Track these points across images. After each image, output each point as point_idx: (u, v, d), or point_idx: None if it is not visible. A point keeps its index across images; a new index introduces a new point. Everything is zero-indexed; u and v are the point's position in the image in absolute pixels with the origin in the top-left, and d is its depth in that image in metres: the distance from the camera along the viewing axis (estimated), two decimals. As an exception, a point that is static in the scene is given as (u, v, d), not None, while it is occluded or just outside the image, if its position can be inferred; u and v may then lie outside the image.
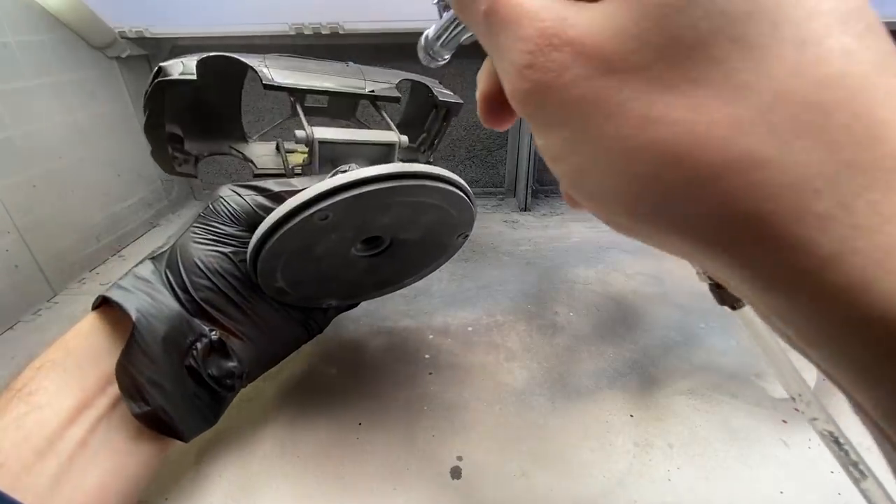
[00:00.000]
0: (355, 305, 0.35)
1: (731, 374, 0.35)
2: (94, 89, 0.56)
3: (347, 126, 0.46)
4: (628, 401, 0.33)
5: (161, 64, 0.35)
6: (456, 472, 0.28)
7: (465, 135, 0.70)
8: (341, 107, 0.47)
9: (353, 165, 0.30)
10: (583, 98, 0.10)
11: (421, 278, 0.35)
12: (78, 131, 0.53)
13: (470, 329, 0.41)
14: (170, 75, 0.35)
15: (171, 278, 0.26)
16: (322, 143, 0.35)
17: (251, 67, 0.36)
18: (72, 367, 0.24)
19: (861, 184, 0.08)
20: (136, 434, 0.24)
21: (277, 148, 0.44)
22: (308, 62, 0.41)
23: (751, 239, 0.09)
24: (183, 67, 0.35)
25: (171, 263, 0.27)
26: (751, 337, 0.16)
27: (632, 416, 0.32)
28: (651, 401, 0.33)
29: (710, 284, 0.15)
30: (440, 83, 0.47)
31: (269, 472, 0.29)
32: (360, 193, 0.24)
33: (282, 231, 0.25)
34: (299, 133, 0.35)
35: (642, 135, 0.09)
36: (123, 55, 0.58)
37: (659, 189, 0.10)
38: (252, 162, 0.42)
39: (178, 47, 0.63)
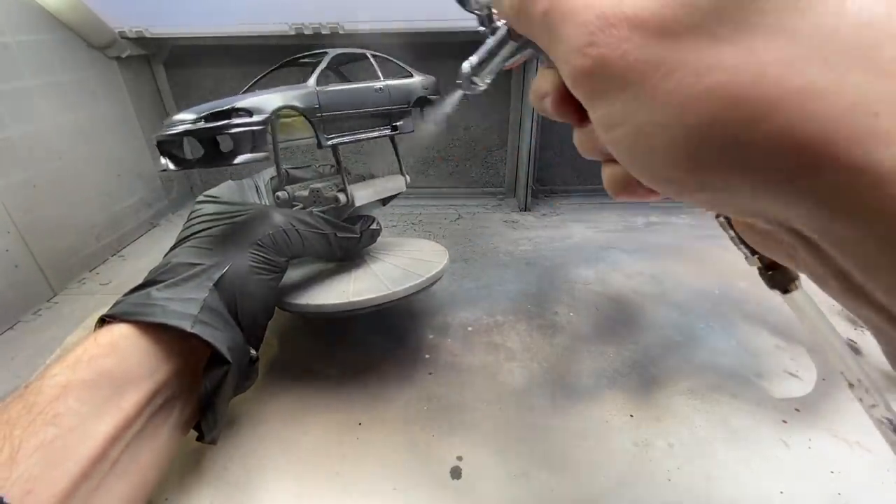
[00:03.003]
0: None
1: (731, 374, 0.35)
2: (94, 89, 0.56)
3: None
4: (628, 401, 0.33)
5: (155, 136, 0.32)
6: (456, 472, 0.28)
7: (465, 135, 0.70)
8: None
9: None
10: (642, 62, 0.11)
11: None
12: (78, 131, 0.53)
13: (470, 329, 0.41)
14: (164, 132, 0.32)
15: (225, 303, 0.27)
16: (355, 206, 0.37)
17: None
18: (108, 387, 0.22)
19: None
20: (163, 448, 0.25)
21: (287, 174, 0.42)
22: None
23: (812, 165, 0.09)
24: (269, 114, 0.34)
25: (227, 293, 0.28)
26: (802, 323, 0.16)
27: (632, 416, 0.32)
28: (651, 401, 0.33)
29: (759, 268, 0.15)
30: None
31: (270, 472, 0.29)
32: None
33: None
34: (338, 196, 0.36)
35: (700, 83, 0.10)
36: (123, 55, 0.59)
37: (720, 131, 0.10)
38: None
39: (178, 47, 0.63)
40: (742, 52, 0.10)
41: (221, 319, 0.26)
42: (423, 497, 0.27)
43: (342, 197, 0.36)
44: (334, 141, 0.34)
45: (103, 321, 0.26)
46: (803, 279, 0.14)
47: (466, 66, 0.19)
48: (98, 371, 0.23)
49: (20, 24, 0.47)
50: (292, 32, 0.57)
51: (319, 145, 0.33)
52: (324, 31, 0.57)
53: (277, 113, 0.30)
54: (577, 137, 0.16)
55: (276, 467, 0.29)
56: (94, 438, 0.21)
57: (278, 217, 0.31)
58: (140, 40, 0.59)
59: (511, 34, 0.17)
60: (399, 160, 0.41)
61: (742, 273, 0.46)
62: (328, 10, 0.55)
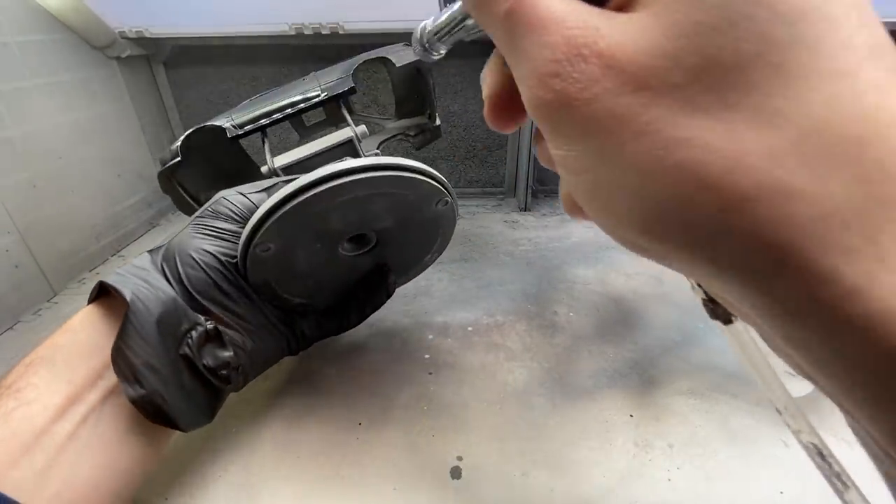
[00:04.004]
0: (344, 328, 0.33)
1: (731, 374, 0.35)
2: (95, 89, 0.56)
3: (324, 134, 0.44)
4: (628, 401, 0.33)
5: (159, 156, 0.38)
6: (456, 472, 0.28)
7: (465, 135, 0.70)
8: (330, 112, 0.46)
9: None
10: (610, 113, 0.10)
11: (439, 253, 0.36)
12: (78, 131, 0.53)
13: (470, 329, 0.41)
14: (165, 164, 0.39)
15: (166, 269, 0.26)
16: (285, 168, 0.36)
17: (220, 127, 0.38)
18: (61, 362, 0.24)
19: (889, 217, 0.08)
20: (128, 427, 0.24)
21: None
22: (274, 93, 0.41)
23: (775, 268, 0.09)
24: (170, 153, 0.39)
25: (167, 256, 0.27)
26: (738, 352, 0.16)
27: (632, 416, 0.32)
28: (651, 401, 0.33)
29: (703, 299, 0.15)
30: (405, 44, 0.44)
31: (270, 473, 0.29)
32: (281, 214, 0.26)
33: (268, 223, 0.26)
34: (263, 168, 0.37)
35: (671, 157, 0.09)
36: (123, 55, 0.58)
37: (685, 213, 0.09)
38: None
39: (178, 47, 0.63)
40: (720, 132, 0.09)
41: (143, 272, 0.26)
42: (423, 497, 0.27)
43: (263, 168, 0.37)
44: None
45: None
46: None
47: (418, 30, 0.17)
48: (53, 348, 0.24)
49: (20, 24, 0.47)
50: (292, 32, 0.57)
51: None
52: (324, 31, 0.57)
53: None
54: (540, 154, 0.15)
55: (277, 467, 0.29)
56: (47, 409, 0.22)
57: (227, 191, 0.30)
58: (140, 40, 0.59)
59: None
60: (345, 115, 0.41)
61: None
62: (328, 10, 0.55)
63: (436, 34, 0.17)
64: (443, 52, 0.18)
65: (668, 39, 0.09)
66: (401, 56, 0.41)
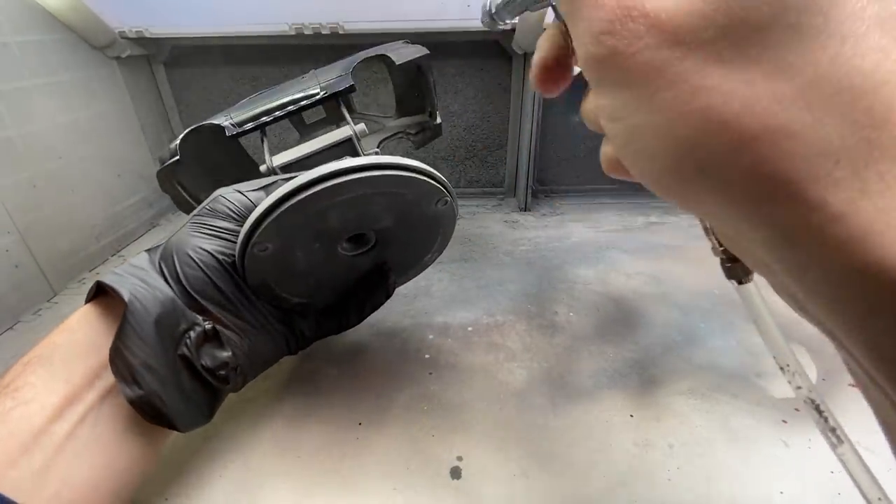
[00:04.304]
0: (343, 327, 0.33)
1: (731, 374, 0.35)
2: (95, 89, 0.56)
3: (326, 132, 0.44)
4: (628, 401, 0.33)
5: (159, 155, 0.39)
6: (456, 472, 0.28)
7: (465, 135, 0.70)
8: (330, 110, 0.46)
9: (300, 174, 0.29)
10: (649, 65, 0.11)
11: (438, 253, 0.35)
12: (78, 131, 0.53)
13: (470, 329, 0.41)
14: (164, 163, 0.39)
15: (164, 269, 0.26)
16: (284, 167, 0.36)
17: (219, 126, 0.38)
18: (58, 361, 0.23)
19: (873, 156, 0.10)
20: (127, 427, 0.24)
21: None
22: (273, 91, 0.41)
23: (774, 197, 0.10)
24: (169, 152, 0.39)
25: (165, 255, 0.27)
26: (747, 310, 0.18)
27: (632, 416, 0.32)
28: (651, 401, 0.33)
29: (722, 259, 0.17)
30: (406, 41, 0.44)
31: (269, 472, 0.29)
32: (279, 214, 0.25)
33: (266, 222, 0.25)
34: (262, 167, 0.36)
35: (695, 101, 0.11)
36: (123, 55, 0.58)
37: (703, 149, 0.11)
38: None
39: (178, 47, 0.63)
40: (739, 81, 0.10)
41: (141, 272, 0.26)
42: (423, 497, 0.27)
43: (262, 167, 0.37)
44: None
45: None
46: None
47: (487, 1, 0.19)
48: (51, 347, 0.24)
49: (20, 24, 0.47)
50: (292, 32, 0.57)
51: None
52: (324, 31, 0.57)
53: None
54: (584, 108, 0.17)
55: (277, 467, 0.29)
56: (45, 408, 0.22)
57: (225, 189, 0.30)
58: (140, 40, 0.59)
59: None
60: (343, 113, 0.40)
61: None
62: (328, 10, 0.55)
63: (505, 4, 0.18)
64: (508, 22, 0.19)
65: (705, 3, 0.11)
66: (401, 54, 0.41)
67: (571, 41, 0.15)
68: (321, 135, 0.39)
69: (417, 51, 0.42)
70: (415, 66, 0.43)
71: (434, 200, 0.30)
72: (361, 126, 0.38)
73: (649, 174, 0.13)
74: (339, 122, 0.46)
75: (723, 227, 0.14)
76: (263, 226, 0.25)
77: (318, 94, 0.38)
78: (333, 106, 0.44)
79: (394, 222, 0.30)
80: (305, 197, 0.25)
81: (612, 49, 0.12)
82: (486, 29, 0.20)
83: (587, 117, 0.17)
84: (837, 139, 0.10)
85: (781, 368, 0.19)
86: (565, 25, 0.15)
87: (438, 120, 0.47)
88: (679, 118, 0.11)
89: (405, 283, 0.37)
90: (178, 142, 0.39)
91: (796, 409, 0.32)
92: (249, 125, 0.38)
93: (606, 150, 0.16)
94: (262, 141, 0.39)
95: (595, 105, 0.14)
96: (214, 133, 0.38)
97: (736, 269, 0.17)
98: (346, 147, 0.38)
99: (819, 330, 0.13)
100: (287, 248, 0.27)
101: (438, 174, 0.29)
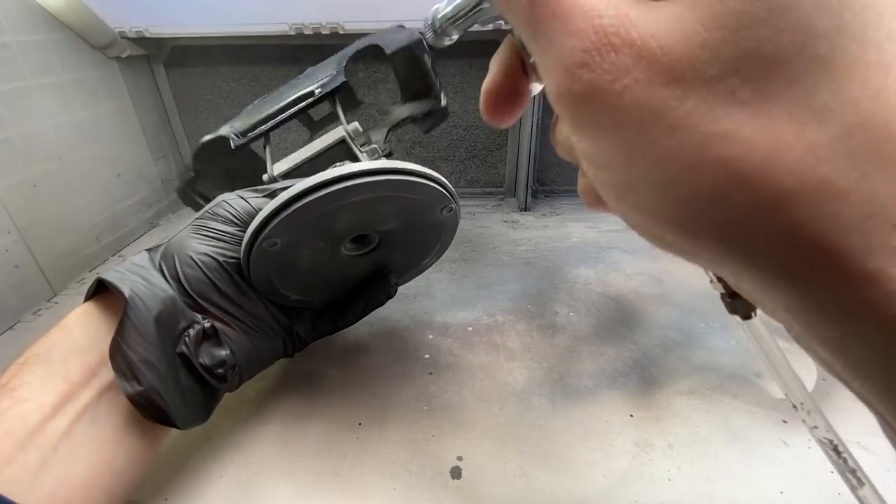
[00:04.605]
0: (339, 327, 0.33)
1: (731, 374, 0.35)
2: (95, 89, 0.56)
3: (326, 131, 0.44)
4: (628, 401, 0.33)
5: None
6: (456, 472, 0.28)
7: (465, 135, 0.70)
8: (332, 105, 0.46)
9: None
10: (642, 106, 0.09)
11: (437, 257, 0.36)
12: (78, 131, 0.53)
13: (470, 329, 0.41)
14: (181, 180, 0.42)
15: (164, 268, 0.27)
16: (284, 175, 0.36)
17: (225, 137, 0.38)
18: (55, 360, 0.23)
19: None
20: (124, 425, 0.24)
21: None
22: (272, 96, 0.41)
23: (816, 269, 0.08)
24: (185, 168, 0.42)
25: (166, 255, 0.27)
26: (755, 347, 0.16)
27: (632, 416, 0.32)
28: (651, 401, 0.33)
29: (722, 294, 0.15)
30: (398, 26, 0.44)
31: (269, 472, 0.29)
32: (295, 209, 0.26)
33: (275, 222, 0.26)
34: (264, 176, 0.37)
35: (707, 152, 0.09)
36: (123, 55, 0.58)
37: (721, 210, 0.09)
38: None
39: (178, 47, 0.63)
40: (760, 125, 0.09)
41: (142, 270, 0.26)
42: (423, 497, 0.27)
43: (264, 177, 0.37)
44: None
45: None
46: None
47: (431, 15, 0.16)
48: (48, 345, 0.24)
49: (20, 24, 0.47)
50: (292, 32, 0.57)
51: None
52: (324, 31, 0.57)
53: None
54: (557, 139, 0.14)
55: (277, 467, 0.29)
56: (41, 407, 0.22)
57: (229, 195, 0.30)
58: (140, 40, 0.59)
59: None
60: (338, 112, 0.40)
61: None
62: (328, 10, 0.55)
63: (450, 19, 0.16)
64: (455, 37, 0.17)
65: (705, 29, 0.09)
66: (390, 42, 0.41)
67: (528, 59, 0.13)
68: (320, 136, 0.39)
69: (408, 36, 0.42)
70: (409, 51, 0.43)
71: (440, 207, 0.31)
72: (355, 125, 0.38)
73: (649, 233, 0.11)
74: (353, 108, 0.46)
75: (739, 285, 0.11)
76: (277, 220, 0.26)
77: (313, 96, 0.38)
78: (331, 103, 0.44)
79: (399, 225, 0.30)
80: (324, 195, 0.26)
81: (590, 85, 0.10)
82: (435, 46, 0.18)
83: (561, 151, 0.14)
84: (889, 197, 0.08)
85: (795, 407, 0.17)
86: (521, 41, 0.13)
87: (444, 102, 0.47)
88: (687, 171, 0.09)
89: (403, 283, 0.37)
90: (191, 159, 0.40)
91: (795, 408, 0.32)
92: (252, 133, 0.38)
93: (585, 185, 0.14)
94: (265, 148, 0.39)
95: (572, 144, 0.12)
96: (224, 143, 0.39)
97: (738, 305, 0.14)
98: (342, 148, 0.38)
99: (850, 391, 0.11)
100: (295, 244, 0.27)
101: (447, 182, 0.30)
